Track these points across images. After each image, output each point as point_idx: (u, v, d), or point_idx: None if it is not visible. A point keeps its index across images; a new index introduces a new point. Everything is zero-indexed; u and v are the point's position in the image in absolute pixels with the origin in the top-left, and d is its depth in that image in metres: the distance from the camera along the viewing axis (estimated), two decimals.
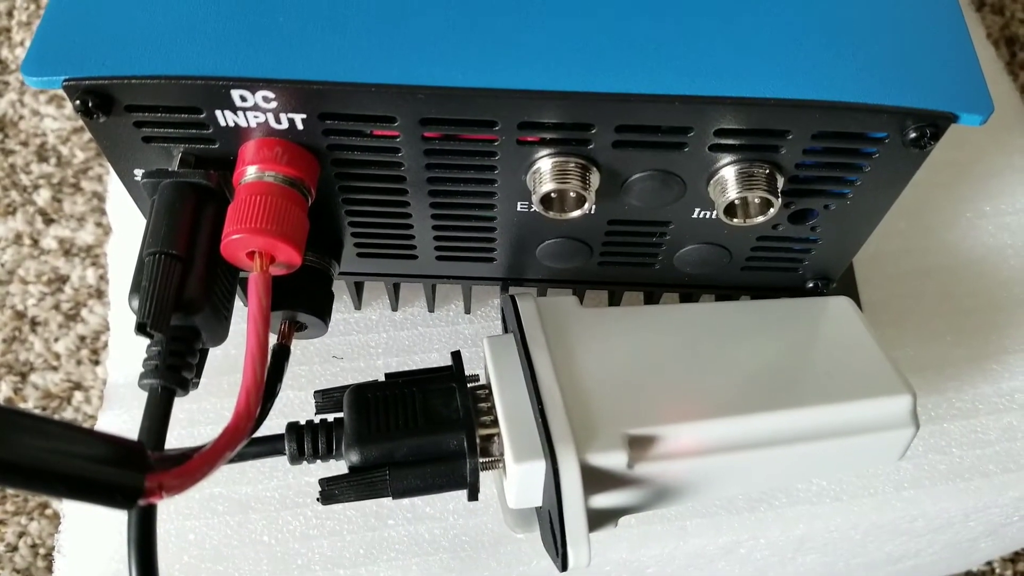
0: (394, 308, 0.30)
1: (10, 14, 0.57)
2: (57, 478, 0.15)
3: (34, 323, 0.47)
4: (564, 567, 0.21)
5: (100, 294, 0.48)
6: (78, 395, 0.46)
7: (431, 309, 0.30)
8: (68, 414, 0.45)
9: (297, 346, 0.29)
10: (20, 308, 0.48)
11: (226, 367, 0.28)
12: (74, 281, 0.48)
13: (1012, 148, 0.35)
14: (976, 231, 0.33)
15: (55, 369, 0.46)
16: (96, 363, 0.47)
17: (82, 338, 0.47)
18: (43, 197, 0.51)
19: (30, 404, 0.45)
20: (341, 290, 0.30)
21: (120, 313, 0.30)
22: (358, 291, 0.29)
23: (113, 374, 0.29)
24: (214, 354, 0.23)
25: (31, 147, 0.53)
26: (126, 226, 0.32)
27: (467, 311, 0.30)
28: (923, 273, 0.32)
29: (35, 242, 0.49)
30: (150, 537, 0.19)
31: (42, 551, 0.42)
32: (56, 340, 0.47)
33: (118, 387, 0.28)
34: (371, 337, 0.30)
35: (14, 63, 0.55)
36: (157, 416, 0.20)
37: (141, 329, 0.19)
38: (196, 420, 0.28)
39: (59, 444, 0.15)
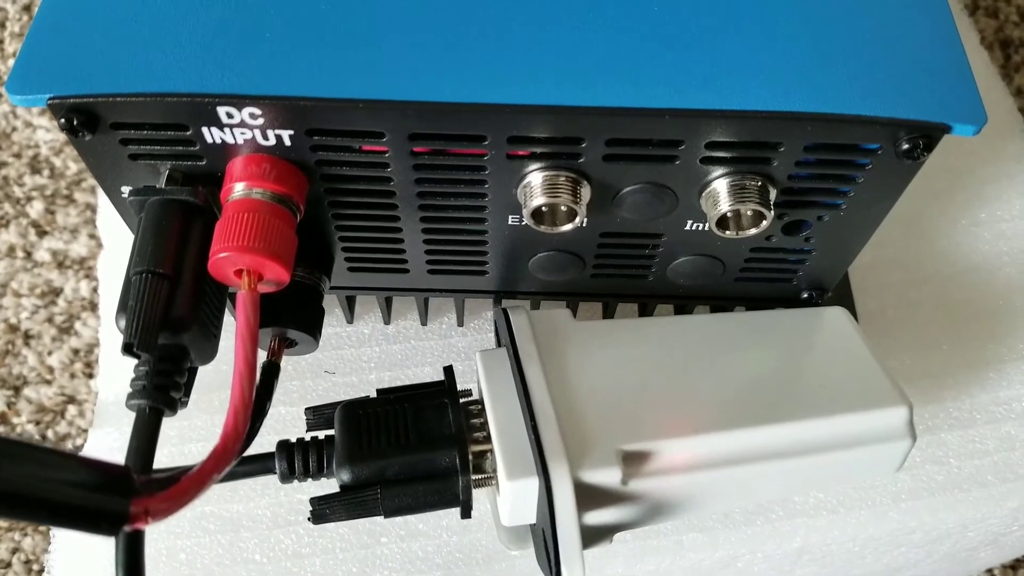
0: (386, 322, 0.30)
1: (2, 25, 0.57)
2: (39, 505, 0.15)
3: (27, 336, 0.47)
4: None
5: (94, 307, 0.48)
6: (72, 409, 0.45)
7: (424, 323, 0.30)
8: (62, 428, 0.45)
9: (289, 361, 0.29)
10: (13, 321, 0.47)
11: (217, 383, 0.28)
12: (67, 294, 0.48)
13: (1007, 155, 0.35)
14: (972, 239, 0.33)
15: (48, 383, 0.46)
16: (90, 376, 0.46)
17: (76, 351, 0.47)
18: (36, 209, 0.50)
19: (24, 418, 0.45)
20: (333, 304, 0.29)
21: (110, 330, 0.30)
22: (350, 305, 0.29)
23: (104, 392, 0.29)
24: (204, 370, 0.22)
25: (24, 159, 0.52)
26: (117, 242, 0.32)
27: (460, 324, 0.30)
28: (919, 282, 0.32)
29: (28, 254, 0.49)
30: (138, 560, 0.18)
31: (36, 567, 0.42)
32: (50, 353, 0.47)
33: (108, 405, 0.28)
34: (363, 351, 0.29)
35: (6, 74, 0.55)
36: (145, 437, 0.19)
37: (128, 349, 0.19)
38: (187, 437, 0.27)
39: (41, 470, 0.15)
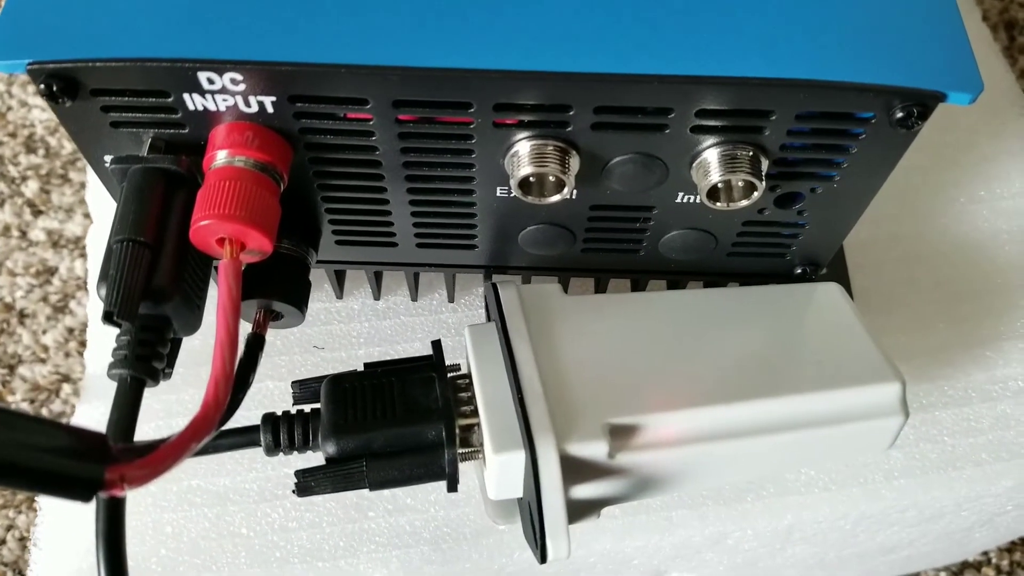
0: (376, 297, 0.30)
1: None
2: (12, 470, 0.15)
3: (22, 315, 0.47)
4: (543, 559, 0.21)
5: (88, 286, 0.48)
6: (66, 387, 0.45)
7: (414, 298, 0.30)
8: (56, 407, 0.45)
9: (277, 336, 0.29)
10: (8, 300, 0.47)
11: (205, 358, 0.27)
12: (62, 273, 0.48)
13: (1007, 132, 0.34)
14: (970, 216, 0.33)
15: (43, 361, 0.46)
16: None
17: (70, 330, 0.47)
18: (31, 188, 0.50)
19: (18, 397, 0.45)
20: (323, 279, 0.29)
21: (98, 303, 0.30)
22: (339, 280, 0.29)
23: (91, 365, 0.28)
24: (191, 344, 0.22)
25: (19, 138, 0.52)
26: (107, 216, 0.32)
27: (451, 300, 0.30)
28: (916, 259, 0.32)
29: (23, 234, 0.49)
30: (118, 530, 0.18)
31: (30, 544, 0.42)
32: (44, 332, 0.46)
33: (96, 378, 0.28)
34: (353, 327, 0.29)
35: None
36: (125, 407, 0.19)
37: (108, 318, 0.19)
38: (173, 411, 0.27)
39: (16, 435, 0.15)
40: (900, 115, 0.20)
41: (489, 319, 0.25)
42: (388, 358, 0.23)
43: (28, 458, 0.15)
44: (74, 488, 0.15)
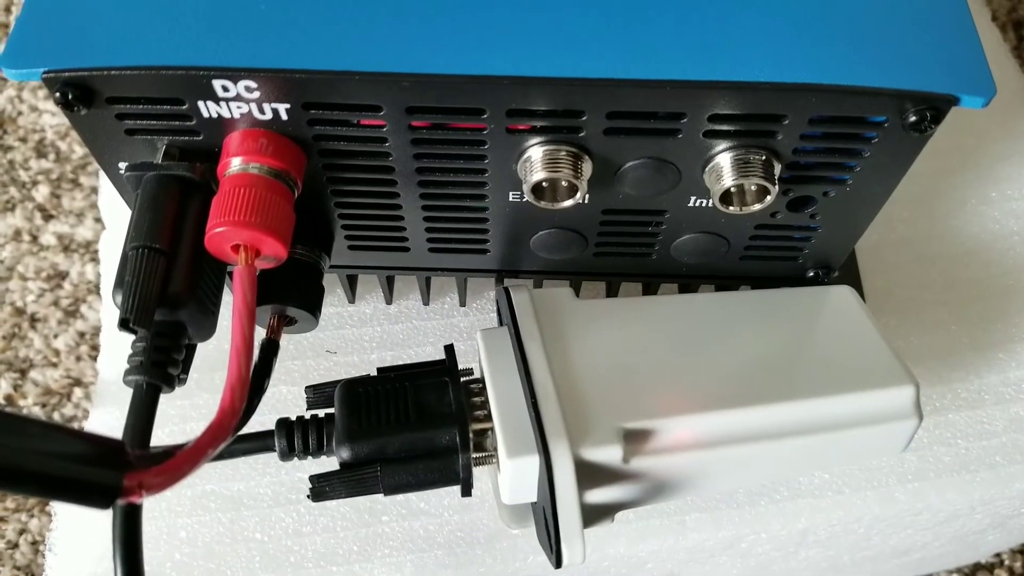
0: (388, 302, 0.30)
1: (8, 9, 0.57)
2: (31, 477, 0.15)
3: (33, 319, 0.47)
4: (558, 564, 0.21)
5: (99, 290, 0.48)
6: (78, 391, 0.45)
7: (426, 302, 0.30)
8: (68, 411, 0.45)
9: (290, 340, 0.29)
10: (19, 305, 0.47)
11: (219, 362, 0.27)
12: (73, 277, 0.48)
13: (1018, 133, 0.34)
14: (981, 218, 0.32)
15: (55, 366, 0.46)
16: (96, 359, 0.46)
17: (81, 334, 0.47)
18: (42, 193, 0.50)
19: (30, 401, 0.45)
20: (335, 284, 0.29)
21: (111, 309, 0.30)
22: (351, 284, 0.29)
23: (105, 371, 0.29)
24: (206, 349, 0.22)
25: (30, 143, 0.52)
26: (119, 222, 0.32)
27: (462, 304, 0.30)
28: (928, 261, 0.31)
29: (34, 238, 0.49)
30: (135, 535, 0.18)
31: (42, 548, 0.42)
32: (56, 336, 0.47)
33: (110, 384, 0.28)
34: (365, 331, 0.29)
35: None
36: (141, 413, 0.19)
37: (124, 325, 0.19)
38: (189, 416, 0.27)
39: (34, 442, 0.15)
40: (913, 119, 0.20)
41: (501, 323, 0.25)
42: (400, 362, 0.23)
43: (47, 465, 0.15)
44: (93, 495, 0.16)
